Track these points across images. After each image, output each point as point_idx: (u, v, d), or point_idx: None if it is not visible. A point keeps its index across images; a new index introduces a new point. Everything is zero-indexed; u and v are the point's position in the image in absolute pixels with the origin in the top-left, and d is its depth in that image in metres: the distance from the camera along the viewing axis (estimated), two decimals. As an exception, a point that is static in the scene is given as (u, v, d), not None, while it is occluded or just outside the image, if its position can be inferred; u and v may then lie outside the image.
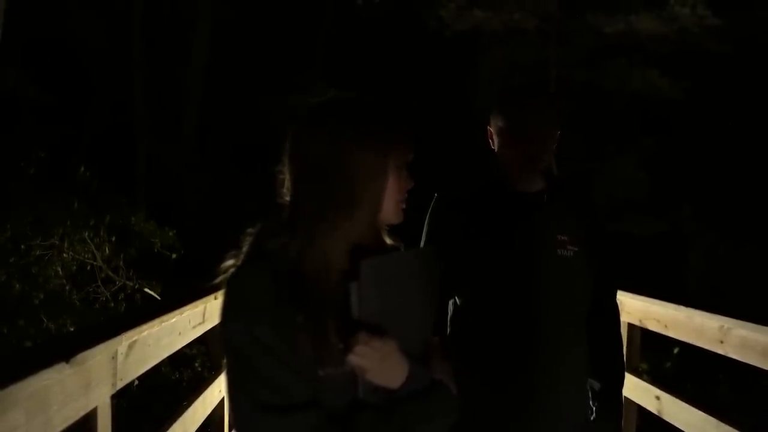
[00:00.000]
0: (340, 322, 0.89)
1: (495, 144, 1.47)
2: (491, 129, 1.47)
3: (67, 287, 4.99)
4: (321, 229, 0.90)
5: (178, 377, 4.83)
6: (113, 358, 1.52)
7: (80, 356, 1.32)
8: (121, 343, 1.57)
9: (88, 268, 5.27)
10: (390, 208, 0.94)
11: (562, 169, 5.62)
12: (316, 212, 0.90)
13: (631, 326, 2.60)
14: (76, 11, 9.73)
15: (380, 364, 0.88)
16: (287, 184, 0.94)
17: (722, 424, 1.94)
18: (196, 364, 5.12)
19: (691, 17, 8.58)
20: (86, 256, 5.21)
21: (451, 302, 1.46)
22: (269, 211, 0.97)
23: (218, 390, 2.75)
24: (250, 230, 0.97)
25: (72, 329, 4.85)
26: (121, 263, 5.48)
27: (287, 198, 0.94)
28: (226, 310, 0.90)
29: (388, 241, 1.00)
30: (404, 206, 0.97)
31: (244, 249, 0.95)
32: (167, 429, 2.03)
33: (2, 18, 3.80)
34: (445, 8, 9.30)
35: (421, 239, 1.50)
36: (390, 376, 0.91)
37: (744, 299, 7.58)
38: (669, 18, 8.71)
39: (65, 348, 1.33)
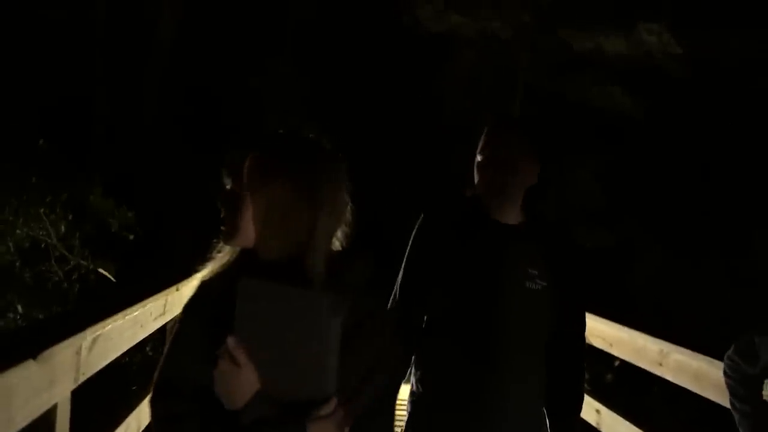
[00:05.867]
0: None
1: (474, 172, 1.54)
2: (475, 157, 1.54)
3: (18, 264, 4.85)
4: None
5: (128, 361, 4.77)
6: (77, 353, 1.52)
7: (47, 353, 1.33)
8: (86, 338, 1.58)
9: (42, 245, 5.13)
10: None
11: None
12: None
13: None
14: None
15: (228, 374, 0.92)
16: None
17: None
18: (147, 349, 5.06)
19: (657, 44, 8.95)
20: (40, 233, 5.07)
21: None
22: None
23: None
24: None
25: (19, 307, 4.72)
26: (77, 242, 5.35)
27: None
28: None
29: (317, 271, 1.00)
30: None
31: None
32: (122, 421, 2.04)
33: None
34: (422, 8, 9.38)
35: (398, 252, 1.57)
36: (228, 395, 0.93)
37: (685, 311, 7.95)
38: (636, 41, 9.06)
39: (32, 344, 1.34)
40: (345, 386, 0.95)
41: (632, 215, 9.77)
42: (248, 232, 1.02)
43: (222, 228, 1.04)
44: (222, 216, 1.03)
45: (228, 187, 1.03)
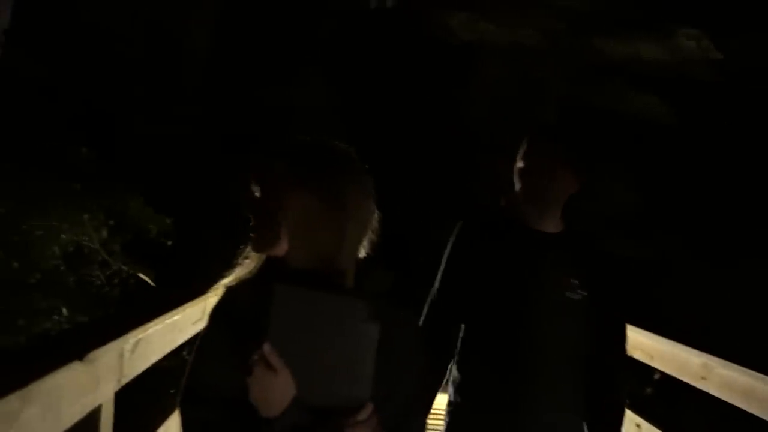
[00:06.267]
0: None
1: (515, 179, 1.52)
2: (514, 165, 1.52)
3: (63, 268, 5.00)
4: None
5: (167, 365, 4.84)
6: (120, 355, 1.56)
7: (92, 355, 1.37)
8: (128, 341, 1.62)
9: (86, 251, 5.29)
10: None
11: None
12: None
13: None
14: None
15: (264, 381, 0.90)
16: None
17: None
18: (185, 353, 5.13)
19: (696, 50, 8.74)
20: (84, 238, 5.23)
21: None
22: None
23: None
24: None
25: (63, 309, 4.86)
26: (118, 247, 5.51)
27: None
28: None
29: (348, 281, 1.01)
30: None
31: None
32: (161, 425, 2.08)
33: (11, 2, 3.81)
34: (453, 17, 9.38)
35: (420, 260, 1.56)
36: (264, 402, 0.92)
37: (720, 322, 7.71)
38: (673, 47, 8.86)
39: (78, 346, 1.38)
40: (376, 393, 0.94)
41: (665, 224, 9.53)
42: (277, 240, 1.02)
43: (251, 236, 1.04)
44: (251, 224, 1.04)
45: (257, 195, 1.04)
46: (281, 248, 1.03)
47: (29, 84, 7.24)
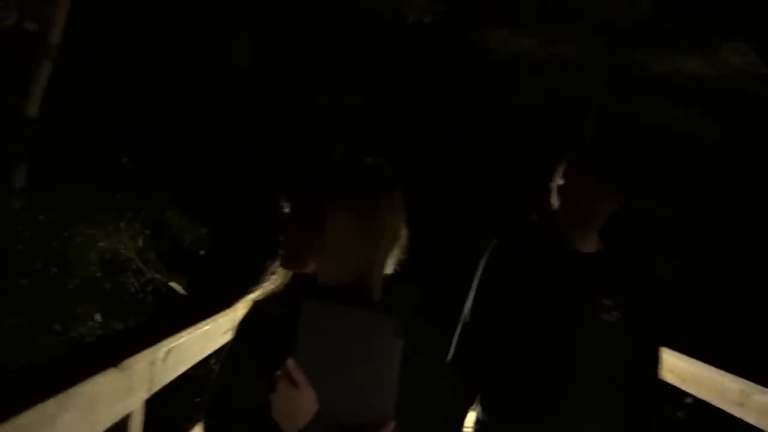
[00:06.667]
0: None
1: (554, 198, 1.49)
2: (553, 183, 1.49)
3: (99, 275, 5.14)
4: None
5: (192, 374, 4.89)
6: (152, 363, 1.60)
7: (126, 362, 1.41)
8: (161, 349, 1.66)
9: (122, 258, 5.42)
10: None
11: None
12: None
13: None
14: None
15: (287, 396, 0.90)
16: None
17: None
18: (212, 362, 5.19)
19: (742, 64, 8.53)
20: (120, 246, 5.37)
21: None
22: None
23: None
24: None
25: (97, 315, 4.98)
26: (153, 256, 5.63)
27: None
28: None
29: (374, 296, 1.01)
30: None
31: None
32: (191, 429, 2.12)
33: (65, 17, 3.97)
34: (492, 32, 9.35)
35: (464, 278, 1.55)
36: (287, 417, 0.92)
37: (762, 347, 7.45)
38: (718, 62, 8.67)
39: (114, 352, 1.42)
40: (400, 408, 0.94)
41: (705, 243, 9.28)
42: (307, 257, 1.03)
43: (280, 252, 1.05)
44: (280, 240, 1.05)
45: (289, 211, 1.05)
46: (308, 265, 1.04)
47: (77, 94, 7.50)
